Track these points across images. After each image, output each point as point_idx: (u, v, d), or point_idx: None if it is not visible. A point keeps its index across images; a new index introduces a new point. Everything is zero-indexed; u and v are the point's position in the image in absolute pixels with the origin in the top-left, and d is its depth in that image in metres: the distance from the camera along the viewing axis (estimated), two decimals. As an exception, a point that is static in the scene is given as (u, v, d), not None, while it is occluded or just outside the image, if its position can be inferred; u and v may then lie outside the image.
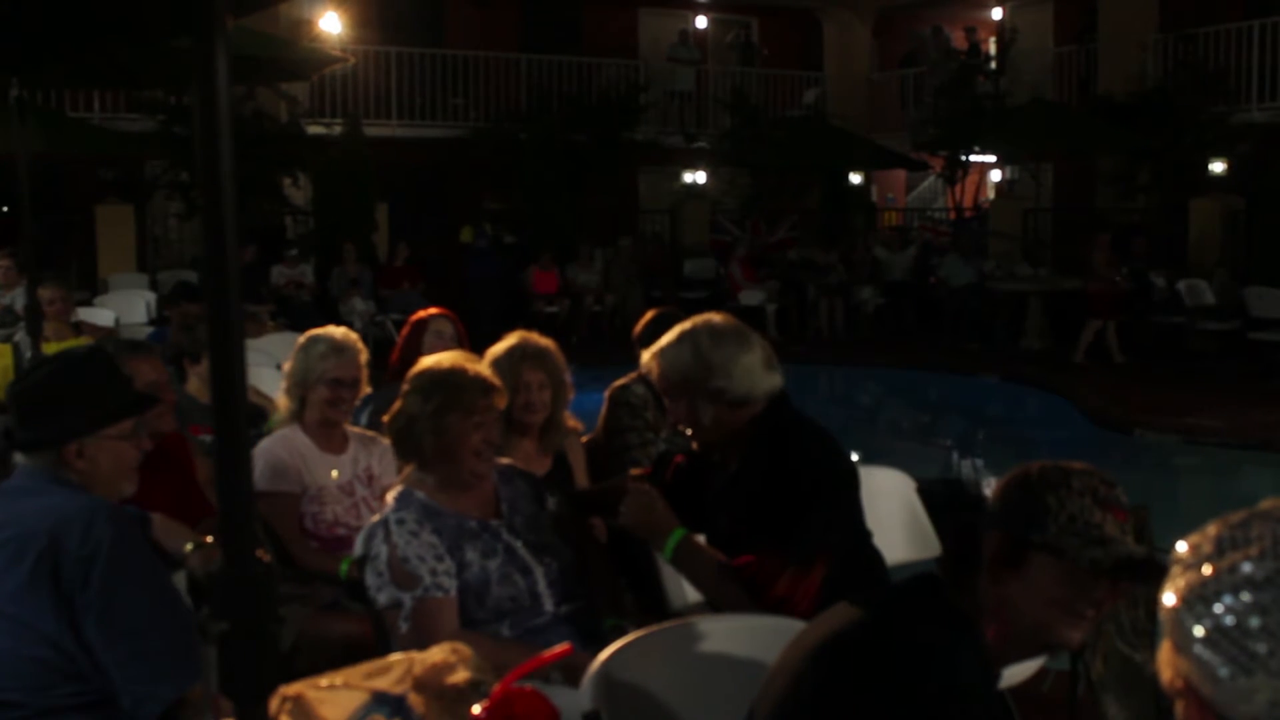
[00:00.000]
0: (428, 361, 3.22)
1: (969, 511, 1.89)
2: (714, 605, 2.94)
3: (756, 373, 2.88)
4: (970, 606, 1.84)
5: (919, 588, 1.92)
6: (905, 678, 1.75)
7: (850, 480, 2.94)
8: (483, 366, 3.19)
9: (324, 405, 3.88)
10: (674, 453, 3.04)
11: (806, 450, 2.88)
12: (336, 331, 4.03)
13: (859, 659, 1.81)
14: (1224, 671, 1.08)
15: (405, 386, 3.11)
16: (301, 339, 4.05)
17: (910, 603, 1.89)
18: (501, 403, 3.15)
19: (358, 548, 3.27)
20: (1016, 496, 1.82)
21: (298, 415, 3.93)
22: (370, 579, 2.97)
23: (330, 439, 3.93)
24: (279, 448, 3.82)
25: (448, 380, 3.05)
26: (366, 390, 4.04)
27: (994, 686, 1.91)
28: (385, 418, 3.17)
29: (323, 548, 3.79)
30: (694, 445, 3.03)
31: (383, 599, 2.92)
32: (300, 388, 3.91)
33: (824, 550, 2.77)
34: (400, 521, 2.96)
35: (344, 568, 3.63)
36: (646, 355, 3.00)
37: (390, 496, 3.09)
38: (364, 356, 4.00)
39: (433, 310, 4.82)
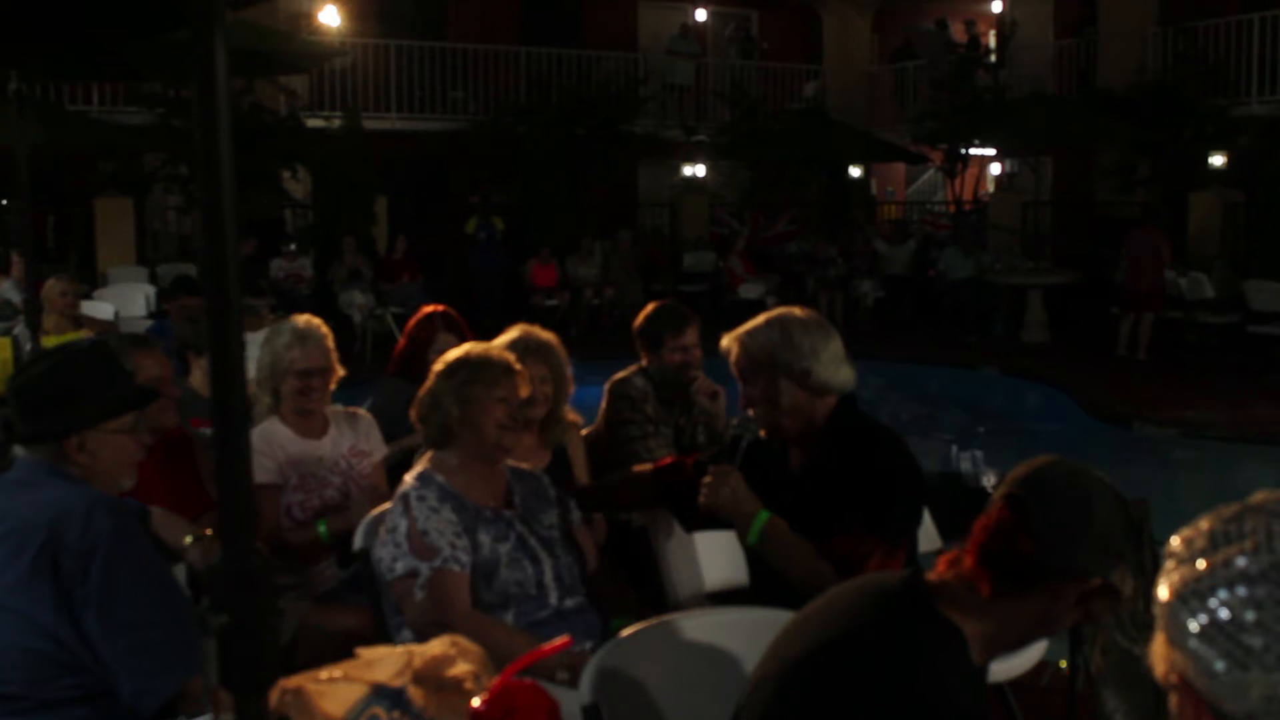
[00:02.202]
0: (452, 352, 3.29)
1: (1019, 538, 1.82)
2: (799, 586, 2.94)
3: (840, 363, 2.94)
4: (958, 615, 1.83)
5: (904, 595, 1.89)
6: (897, 701, 1.75)
7: (924, 486, 2.99)
8: (506, 353, 3.28)
9: (296, 396, 3.89)
10: (742, 437, 3.01)
11: (895, 450, 2.95)
12: (300, 320, 3.99)
13: (846, 677, 1.81)
14: (1219, 666, 1.08)
15: (435, 370, 3.22)
16: (267, 332, 4.04)
17: (896, 614, 1.86)
18: (524, 389, 3.22)
19: (359, 539, 3.29)
20: (1121, 543, 1.79)
21: (274, 408, 3.93)
22: (386, 551, 3.02)
23: (310, 426, 3.93)
24: (254, 441, 3.80)
25: (471, 360, 3.18)
26: (340, 373, 4.02)
27: (984, 694, 1.91)
28: (412, 411, 3.22)
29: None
30: (761, 431, 3.02)
31: (399, 568, 2.98)
32: (272, 380, 3.92)
33: (908, 538, 2.86)
34: (421, 498, 3.04)
35: (321, 528, 3.65)
36: (728, 339, 3.02)
37: (410, 476, 3.15)
38: (330, 341, 3.97)
39: (439, 308, 4.80)
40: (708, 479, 2.93)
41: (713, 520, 3.20)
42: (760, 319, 3.02)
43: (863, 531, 2.79)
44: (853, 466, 2.87)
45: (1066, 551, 1.78)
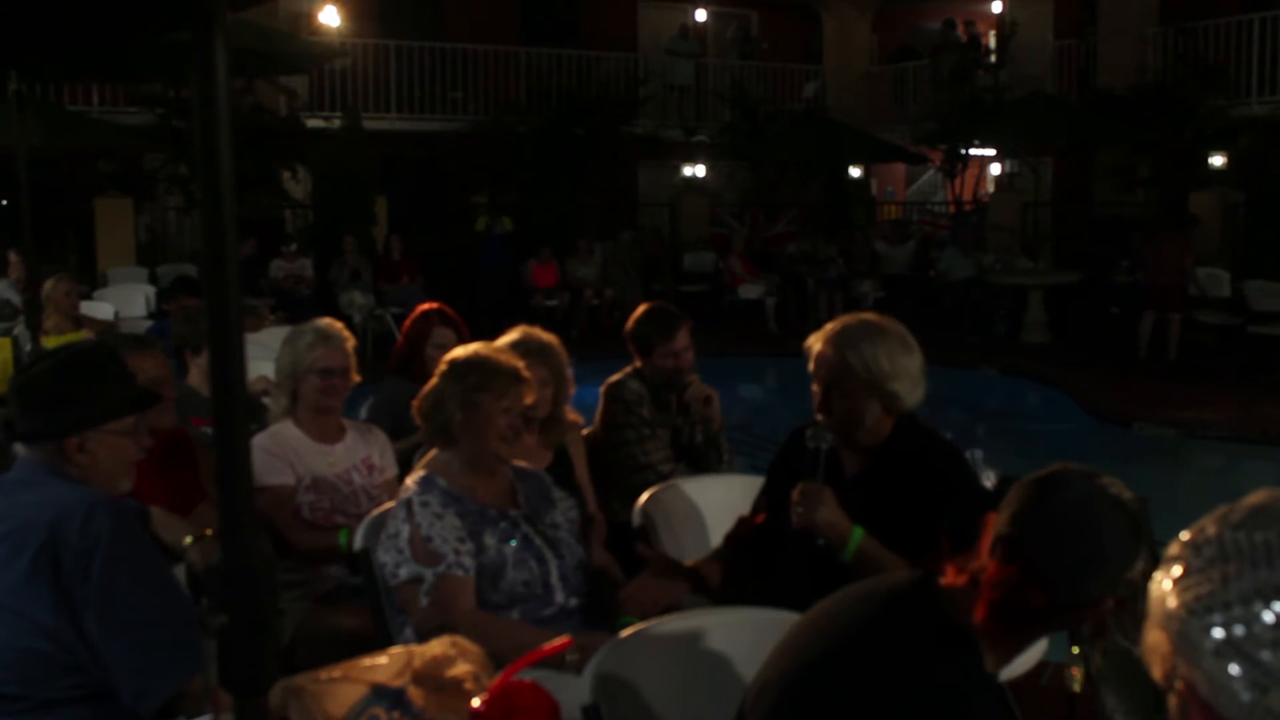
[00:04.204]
0: (461, 350, 3.27)
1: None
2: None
3: (920, 384, 2.97)
4: (968, 620, 1.83)
5: (916, 601, 1.87)
6: (909, 710, 1.74)
7: (991, 498, 3.01)
8: (516, 359, 3.24)
9: (317, 394, 3.90)
10: (819, 449, 2.92)
11: (962, 466, 3.00)
12: (321, 321, 4.06)
13: (855, 684, 1.80)
14: (1245, 697, 1.04)
15: (442, 368, 3.20)
16: (287, 333, 4.08)
17: (908, 620, 1.85)
18: (530, 398, 3.20)
19: (360, 539, 3.29)
20: (1132, 553, 1.76)
21: (289, 410, 3.94)
22: (389, 557, 3.02)
23: (325, 429, 3.94)
24: (266, 442, 3.82)
25: (482, 364, 3.15)
26: (356, 379, 4.05)
27: (1001, 702, 1.91)
28: (415, 402, 3.21)
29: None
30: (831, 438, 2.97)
31: (403, 574, 2.98)
32: (291, 380, 3.93)
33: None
34: (424, 504, 3.03)
35: (342, 537, 3.64)
36: (819, 341, 2.96)
37: (411, 480, 3.14)
38: (350, 344, 4.03)
39: (434, 306, 4.82)
40: (796, 496, 2.87)
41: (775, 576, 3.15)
42: (864, 329, 2.94)
43: (953, 550, 2.79)
44: (923, 483, 2.86)
45: (1081, 589, 1.75)
